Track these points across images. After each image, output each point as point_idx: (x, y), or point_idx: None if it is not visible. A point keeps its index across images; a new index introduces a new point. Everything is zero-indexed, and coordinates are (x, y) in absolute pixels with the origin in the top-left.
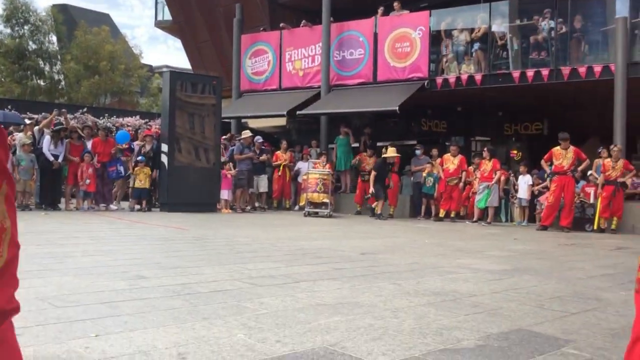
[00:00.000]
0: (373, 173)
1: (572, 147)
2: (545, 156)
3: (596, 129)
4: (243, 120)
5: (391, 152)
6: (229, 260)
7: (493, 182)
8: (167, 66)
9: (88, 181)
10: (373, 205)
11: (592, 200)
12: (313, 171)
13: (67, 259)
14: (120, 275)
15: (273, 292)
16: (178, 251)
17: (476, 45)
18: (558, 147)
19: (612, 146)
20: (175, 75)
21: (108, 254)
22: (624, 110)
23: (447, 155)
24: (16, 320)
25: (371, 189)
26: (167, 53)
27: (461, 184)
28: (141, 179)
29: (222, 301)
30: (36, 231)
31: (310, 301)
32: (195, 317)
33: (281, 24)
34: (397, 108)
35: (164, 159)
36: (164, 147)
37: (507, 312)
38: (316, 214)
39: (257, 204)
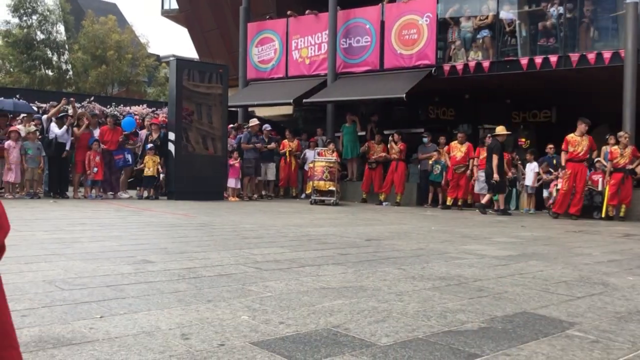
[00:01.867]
0: (495, 156)
1: (586, 135)
2: (563, 145)
3: (605, 116)
4: (250, 109)
5: (500, 130)
6: (235, 246)
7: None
8: (174, 55)
9: (96, 169)
10: (483, 201)
11: (600, 188)
12: (319, 159)
13: (74, 244)
14: (127, 259)
15: (278, 276)
16: (184, 237)
17: (484, 32)
18: (573, 135)
19: (620, 133)
20: (182, 63)
21: (115, 239)
22: (634, 97)
23: (454, 143)
24: (22, 302)
25: (495, 175)
26: (174, 42)
27: (468, 172)
28: (149, 167)
29: (227, 284)
30: (44, 218)
31: (315, 285)
32: (199, 300)
33: (288, 12)
34: (404, 95)
35: (171, 147)
36: (171, 136)
37: (512, 296)
38: (322, 202)
39: (264, 192)
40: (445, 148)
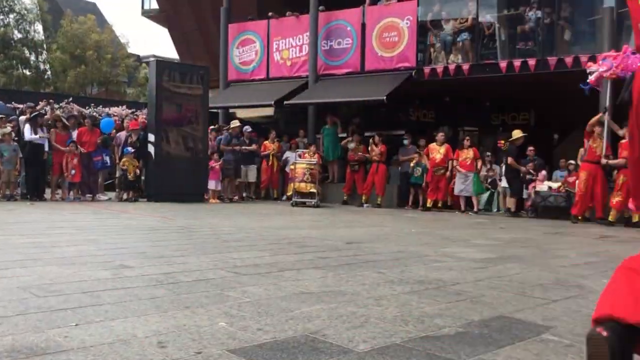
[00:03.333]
0: (511, 160)
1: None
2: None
3: (583, 120)
4: (231, 110)
5: (517, 134)
6: (213, 250)
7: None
8: (154, 55)
9: (73, 172)
10: (508, 207)
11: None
12: (300, 161)
13: (51, 248)
14: (104, 264)
15: (256, 281)
16: (163, 241)
17: (464, 35)
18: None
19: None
20: (162, 64)
21: (92, 243)
22: (612, 100)
23: (432, 145)
24: None
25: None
26: (154, 42)
27: (448, 174)
28: (130, 172)
29: (205, 290)
30: (21, 221)
31: (294, 290)
32: (177, 306)
33: (269, 13)
34: (384, 98)
35: (151, 149)
36: (151, 137)
37: (489, 300)
38: (303, 204)
39: (245, 194)
40: (425, 150)
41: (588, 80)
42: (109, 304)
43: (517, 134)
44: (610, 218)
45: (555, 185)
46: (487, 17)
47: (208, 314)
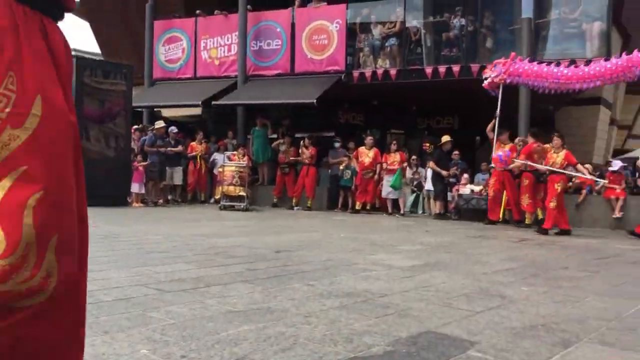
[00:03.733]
0: (432, 164)
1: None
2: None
3: (502, 123)
4: (156, 110)
5: (445, 139)
6: (137, 262)
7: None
8: (75, 49)
9: None
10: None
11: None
12: (229, 163)
13: None
14: None
15: (181, 299)
16: None
17: (392, 40)
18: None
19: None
20: (83, 61)
21: None
22: (529, 108)
23: (362, 148)
24: None
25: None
26: (74, 35)
27: (376, 177)
28: None
29: (126, 311)
30: None
31: (220, 308)
32: (95, 331)
33: (197, 11)
34: (314, 101)
35: None
36: None
37: (416, 313)
38: (232, 207)
39: (170, 197)
40: (354, 153)
41: (483, 85)
42: None
43: (445, 138)
44: (527, 221)
45: (477, 188)
46: (414, 22)
47: (129, 339)
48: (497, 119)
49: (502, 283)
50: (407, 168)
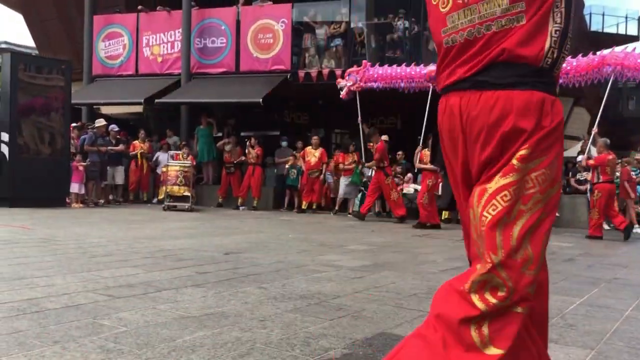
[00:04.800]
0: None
1: None
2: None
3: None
4: (95, 107)
5: (384, 138)
6: (82, 267)
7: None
8: (6, 42)
9: None
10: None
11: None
12: (173, 163)
13: None
14: None
15: (132, 305)
16: (22, 257)
17: (337, 41)
18: None
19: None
20: (18, 57)
21: None
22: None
23: (308, 148)
24: None
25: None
26: (6, 27)
27: (322, 176)
28: None
29: (76, 319)
30: None
31: (174, 314)
32: (44, 342)
33: (139, 7)
34: (260, 100)
35: (4, 149)
36: (4, 137)
37: (369, 314)
38: (176, 208)
39: (111, 197)
40: (301, 153)
41: (340, 96)
42: None
43: (384, 138)
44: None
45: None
46: (359, 24)
47: (81, 349)
48: (361, 125)
49: None
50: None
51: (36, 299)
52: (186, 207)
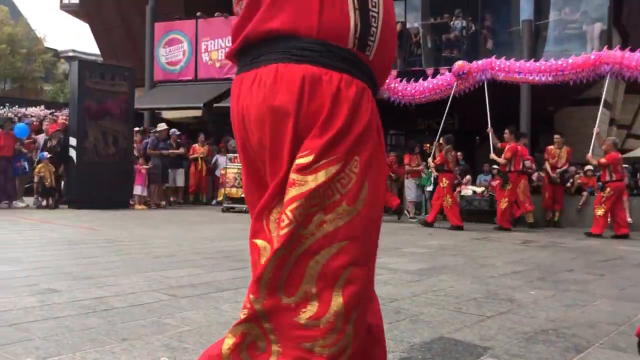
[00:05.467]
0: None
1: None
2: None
3: (503, 125)
4: (157, 112)
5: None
6: (146, 267)
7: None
8: (73, 50)
9: None
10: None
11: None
12: (231, 165)
13: None
14: (29, 288)
15: (195, 304)
16: (90, 257)
17: None
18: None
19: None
20: (85, 65)
21: (14, 262)
22: (529, 108)
23: None
24: None
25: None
26: (73, 36)
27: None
28: (47, 178)
29: (142, 318)
30: None
31: (234, 314)
32: (113, 339)
33: (197, 13)
34: None
35: (73, 153)
36: (73, 141)
37: (427, 318)
38: (234, 209)
39: (172, 199)
40: None
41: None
42: (39, 339)
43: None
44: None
45: (479, 189)
46: (415, 24)
47: (148, 347)
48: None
49: (510, 287)
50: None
51: (104, 297)
52: (244, 208)
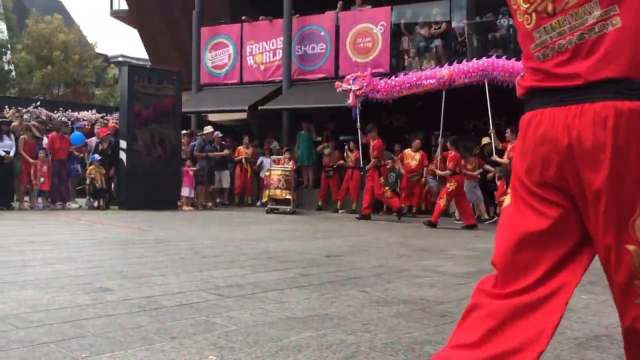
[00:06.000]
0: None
1: None
2: None
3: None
4: (203, 114)
5: (485, 141)
6: (193, 267)
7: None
8: (123, 56)
9: (42, 179)
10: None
11: None
12: (275, 167)
13: (25, 268)
14: (83, 287)
15: (242, 304)
16: (140, 257)
17: (436, 41)
18: None
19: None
20: (134, 70)
21: (68, 262)
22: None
23: (407, 151)
24: None
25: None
26: (123, 42)
27: (423, 180)
28: (97, 180)
29: (190, 317)
30: None
31: (280, 314)
32: (163, 337)
33: (242, 17)
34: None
35: (123, 155)
36: (123, 144)
37: None
38: (278, 210)
39: (218, 200)
40: (399, 155)
41: (348, 104)
42: (93, 336)
43: (485, 141)
44: None
45: None
46: (460, 23)
47: (196, 345)
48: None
49: None
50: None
51: (154, 296)
52: (288, 210)
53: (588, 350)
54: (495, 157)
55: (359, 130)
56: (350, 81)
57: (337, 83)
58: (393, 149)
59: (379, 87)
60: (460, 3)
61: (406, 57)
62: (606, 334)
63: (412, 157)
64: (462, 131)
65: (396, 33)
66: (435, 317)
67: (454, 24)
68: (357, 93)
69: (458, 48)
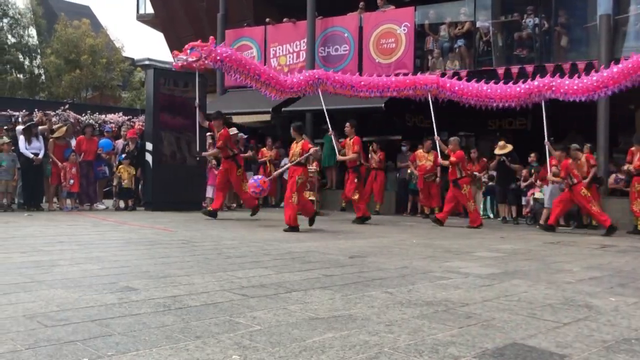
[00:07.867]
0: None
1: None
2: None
3: (579, 124)
4: (227, 116)
5: (501, 149)
6: (218, 267)
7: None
8: (149, 59)
9: (72, 181)
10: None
11: None
12: None
13: (53, 268)
14: (109, 286)
15: (265, 305)
16: (166, 257)
17: (460, 41)
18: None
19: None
20: (159, 73)
21: (95, 261)
22: (608, 107)
23: (419, 152)
24: (5, 342)
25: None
26: (149, 45)
27: (438, 179)
28: (125, 179)
29: (214, 316)
30: (19, 236)
31: (303, 314)
32: (187, 336)
33: (266, 19)
34: (382, 105)
35: (148, 157)
36: (149, 146)
37: (500, 324)
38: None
39: (242, 201)
40: (411, 156)
41: (173, 65)
42: (119, 334)
43: (501, 147)
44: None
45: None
46: (486, 23)
47: (220, 345)
48: (198, 108)
49: (587, 293)
50: (486, 173)
51: (179, 296)
52: None
53: (618, 354)
54: (440, 161)
55: (197, 108)
56: (188, 51)
57: (175, 52)
58: (417, 149)
59: (224, 55)
60: (484, 2)
61: (430, 57)
62: (636, 337)
63: (426, 157)
64: (487, 131)
65: (420, 33)
66: (460, 318)
67: (478, 24)
68: (195, 65)
69: (483, 48)
